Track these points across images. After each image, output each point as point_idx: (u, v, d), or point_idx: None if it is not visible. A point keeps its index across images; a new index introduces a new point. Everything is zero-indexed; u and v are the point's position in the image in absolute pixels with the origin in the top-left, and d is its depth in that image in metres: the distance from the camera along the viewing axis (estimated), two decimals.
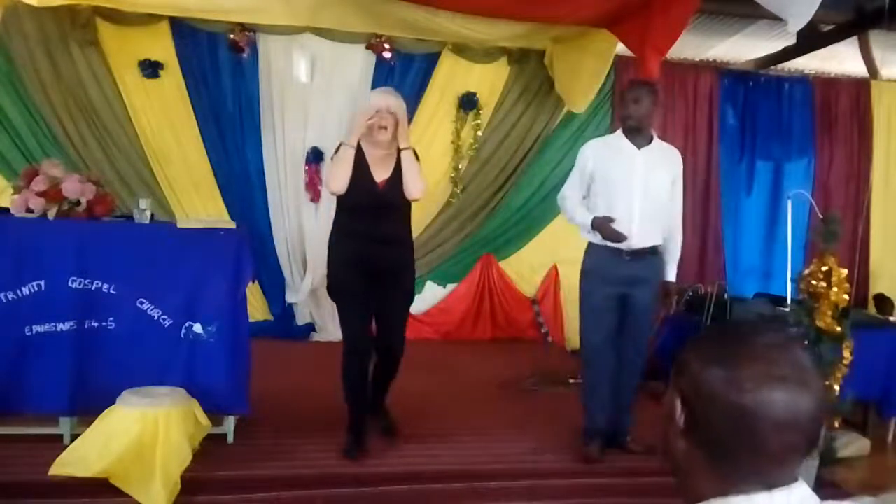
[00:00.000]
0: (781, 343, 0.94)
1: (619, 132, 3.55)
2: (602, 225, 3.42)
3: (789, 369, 0.91)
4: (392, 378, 3.64)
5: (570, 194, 3.61)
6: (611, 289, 3.46)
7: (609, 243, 3.43)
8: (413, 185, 3.34)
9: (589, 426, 3.58)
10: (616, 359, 3.54)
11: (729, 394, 0.91)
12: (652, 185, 3.45)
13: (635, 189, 3.43)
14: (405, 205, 3.44)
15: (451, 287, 6.35)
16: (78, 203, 3.37)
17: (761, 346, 0.94)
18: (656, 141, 3.54)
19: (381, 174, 3.36)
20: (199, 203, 5.76)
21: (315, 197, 5.91)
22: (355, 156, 3.35)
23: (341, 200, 3.40)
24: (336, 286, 3.47)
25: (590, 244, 3.55)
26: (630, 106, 3.47)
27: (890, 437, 4.18)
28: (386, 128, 3.32)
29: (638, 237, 3.42)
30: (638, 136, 3.48)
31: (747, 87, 6.44)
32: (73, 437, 3.08)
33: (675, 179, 3.56)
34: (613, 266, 3.45)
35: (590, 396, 3.59)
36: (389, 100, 3.37)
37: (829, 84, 6.58)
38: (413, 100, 6.01)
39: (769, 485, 0.92)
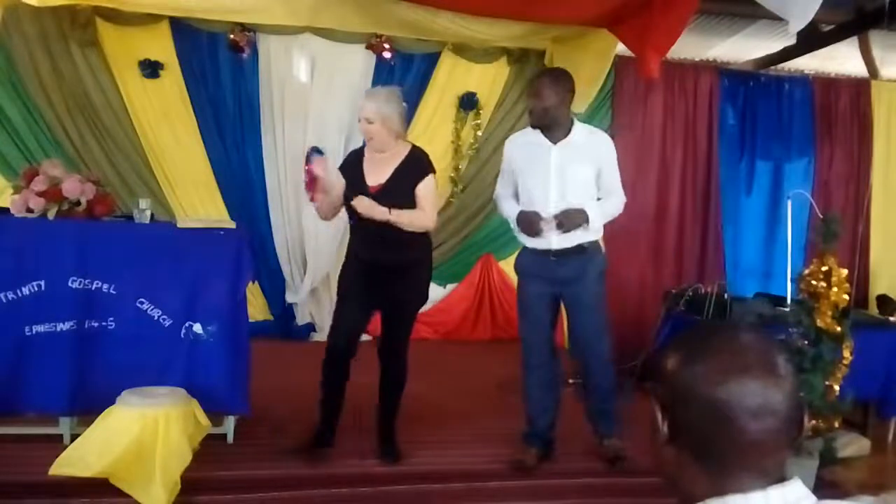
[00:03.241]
0: (744, 335, 0.98)
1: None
2: (522, 218, 3.33)
3: (753, 358, 0.94)
4: (396, 395, 3.45)
5: (500, 192, 3.53)
6: (543, 287, 3.39)
7: (536, 245, 3.36)
8: (418, 227, 3.26)
9: (527, 431, 3.52)
10: (554, 361, 3.50)
11: (701, 390, 0.94)
12: (569, 183, 3.28)
13: (550, 188, 3.29)
14: (408, 207, 3.24)
15: (451, 287, 6.34)
16: (78, 203, 3.37)
17: (724, 341, 0.97)
18: (578, 130, 3.34)
19: (375, 178, 3.25)
20: (199, 203, 5.76)
21: (315, 197, 5.90)
22: (354, 159, 3.32)
23: (346, 205, 3.31)
24: (340, 284, 3.47)
25: (522, 245, 3.48)
26: (529, 101, 3.34)
27: (890, 437, 4.18)
28: (371, 137, 3.23)
29: (557, 238, 3.31)
30: (551, 129, 3.31)
31: (747, 87, 6.43)
32: (73, 437, 3.08)
33: (602, 170, 3.34)
34: (540, 266, 3.37)
35: (527, 399, 3.51)
36: (368, 106, 3.23)
37: (829, 84, 6.57)
38: (413, 100, 6.00)
39: (761, 477, 0.93)
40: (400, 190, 3.24)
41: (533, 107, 3.31)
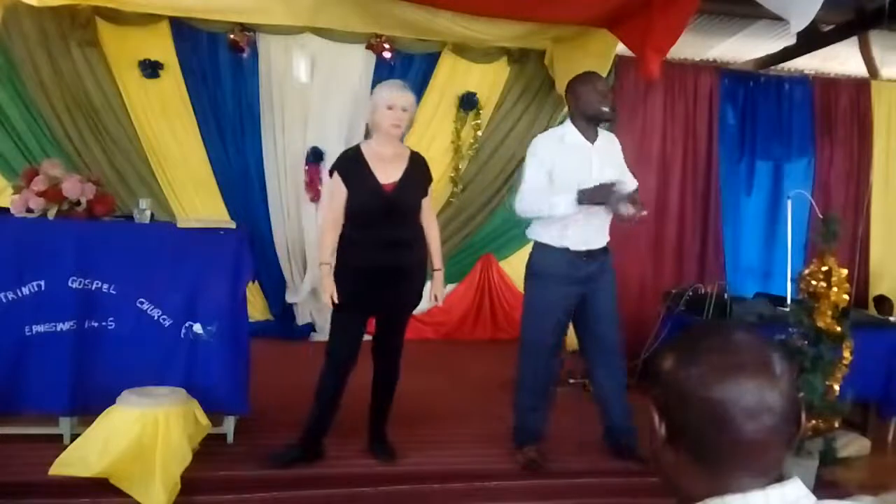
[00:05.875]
0: (739, 335, 0.98)
1: (569, 125, 3.38)
2: (593, 192, 3.18)
3: (747, 356, 0.95)
4: (391, 394, 3.42)
5: (533, 187, 3.32)
6: (570, 288, 3.34)
7: (570, 245, 3.30)
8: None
9: (521, 426, 3.49)
10: (559, 363, 3.50)
11: (697, 391, 0.94)
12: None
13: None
14: (418, 207, 3.30)
15: (451, 287, 6.33)
16: (78, 203, 3.37)
17: (718, 341, 0.97)
18: (600, 132, 3.44)
19: (388, 176, 3.19)
20: (199, 203, 5.76)
21: (315, 197, 5.90)
22: (355, 160, 3.21)
23: (348, 209, 3.20)
24: (343, 298, 3.18)
25: (539, 244, 3.39)
26: (602, 99, 3.29)
27: (890, 437, 4.18)
28: (399, 126, 3.19)
29: (594, 238, 3.36)
30: (589, 129, 3.34)
31: (747, 87, 6.43)
32: (73, 437, 3.08)
33: (622, 169, 3.48)
34: (572, 268, 3.32)
35: (524, 396, 3.47)
36: (406, 97, 3.19)
37: (829, 84, 6.57)
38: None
39: (760, 476, 0.93)
40: (410, 191, 3.24)
41: (610, 104, 3.35)
